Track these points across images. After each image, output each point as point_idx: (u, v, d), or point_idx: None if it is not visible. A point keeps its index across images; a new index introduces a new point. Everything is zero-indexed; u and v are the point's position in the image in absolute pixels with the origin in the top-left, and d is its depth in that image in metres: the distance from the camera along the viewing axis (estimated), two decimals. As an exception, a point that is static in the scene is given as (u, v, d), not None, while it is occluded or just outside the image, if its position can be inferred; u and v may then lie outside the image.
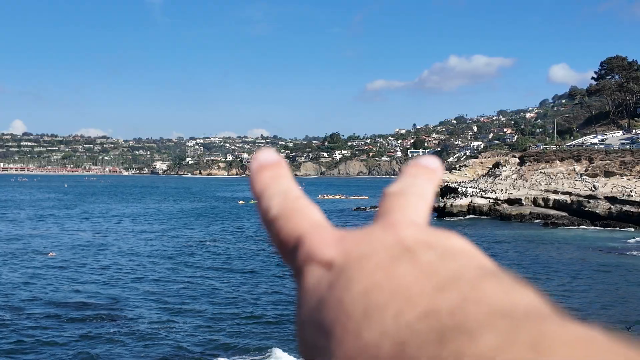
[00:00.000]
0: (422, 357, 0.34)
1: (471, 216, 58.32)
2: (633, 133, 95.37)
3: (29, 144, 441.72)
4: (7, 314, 20.35)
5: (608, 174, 60.24)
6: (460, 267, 0.39)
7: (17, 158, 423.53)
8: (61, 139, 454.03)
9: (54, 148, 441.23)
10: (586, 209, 54.22)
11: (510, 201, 58.22)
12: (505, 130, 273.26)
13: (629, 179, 58.17)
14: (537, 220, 53.13)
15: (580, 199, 55.54)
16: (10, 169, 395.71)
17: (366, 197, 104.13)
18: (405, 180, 0.50)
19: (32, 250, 35.38)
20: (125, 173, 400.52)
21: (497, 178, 69.37)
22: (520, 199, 58.06)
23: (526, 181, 64.46)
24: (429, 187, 0.50)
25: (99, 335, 18.14)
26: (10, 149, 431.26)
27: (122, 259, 32.86)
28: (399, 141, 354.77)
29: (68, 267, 29.75)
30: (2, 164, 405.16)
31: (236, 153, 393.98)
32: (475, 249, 0.43)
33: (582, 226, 51.94)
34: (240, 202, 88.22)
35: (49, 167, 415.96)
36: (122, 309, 21.35)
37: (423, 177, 0.51)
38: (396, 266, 0.40)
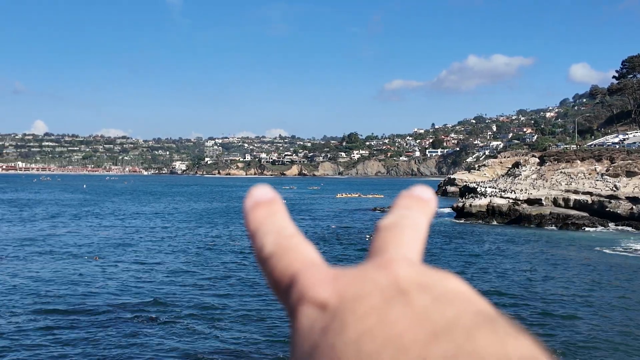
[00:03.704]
0: None
1: (480, 222, 57.96)
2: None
3: (50, 144, 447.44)
4: (46, 315, 20.70)
5: (630, 174, 59.51)
6: (456, 313, 0.38)
7: (38, 158, 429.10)
8: (82, 139, 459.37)
9: (75, 148, 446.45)
10: (607, 209, 53.65)
11: (530, 201, 57.75)
12: (525, 129, 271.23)
13: (651, 179, 57.46)
14: (552, 227, 52.56)
15: (602, 199, 54.95)
16: (32, 168, 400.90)
17: (382, 196, 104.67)
18: (398, 213, 0.49)
19: (74, 251, 35.78)
20: (145, 173, 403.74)
21: (517, 178, 68.84)
22: (540, 199, 57.56)
23: (546, 181, 63.90)
24: (422, 220, 0.49)
25: (140, 331, 18.40)
26: (32, 149, 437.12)
27: (157, 258, 33.22)
28: (417, 141, 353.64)
29: (109, 267, 30.14)
30: (24, 163, 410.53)
31: (254, 153, 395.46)
32: (472, 291, 0.41)
33: (601, 227, 51.41)
34: None
35: (70, 167, 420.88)
36: (161, 306, 21.61)
37: (416, 208, 0.50)
38: (389, 310, 0.39)
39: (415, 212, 0.49)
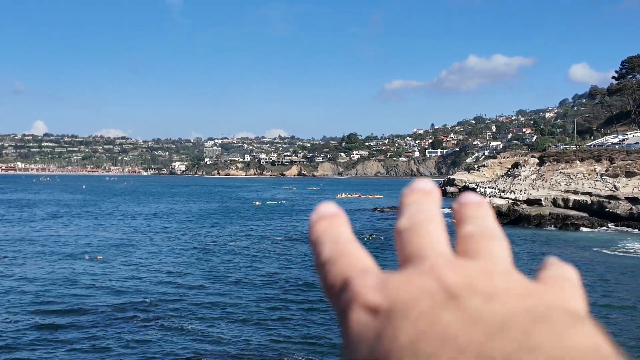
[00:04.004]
0: None
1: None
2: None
3: (50, 144, 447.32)
4: (48, 316, 20.74)
5: (629, 174, 59.56)
6: (509, 312, 0.38)
7: (38, 158, 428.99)
8: (81, 139, 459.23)
9: (74, 149, 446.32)
10: (607, 209, 53.70)
11: (530, 202, 57.80)
12: (524, 130, 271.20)
13: (650, 180, 57.52)
14: (551, 227, 52.59)
15: (601, 199, 55.01)
16: (32, 169, 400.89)
17: (381, 196, 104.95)
18: (409, 210, 0.50)
19: (75, 252, 35.75)
20: (144, 173, 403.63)
21: (516, 178, 68.93)
22: (540, 200, 57.62)
23: (546, 181, 63.96)
24: (435, 209, 0.51)
25: (140, 332, 18.43)
26: (32, 150, 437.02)
27: (157, 258, 33.25)
28: (417, 141, 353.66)
29: (110, 268, 30.16)
30: (23, 164, 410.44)
31: (254, 153, 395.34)
32: (520, 285, 0.42)
33: (600, 228, 51.46)
34: (257, 202, 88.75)
35: (69, 167, 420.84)
36: (162, 306, 21.64)
37: (424, 200, 0.51)
38: (441, 314, 0.40)
39: (425, 204, 0.50)
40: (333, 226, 0.51)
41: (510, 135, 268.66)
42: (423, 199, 0.51)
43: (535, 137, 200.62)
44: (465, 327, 0.38)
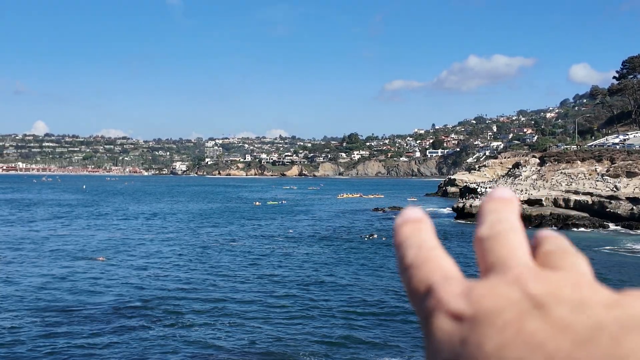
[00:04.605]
0: None
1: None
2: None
3: (51, 144, 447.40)
4: (52, 316, 20.79)
5: (630, 175, 59.56)
6: (597, 321, 0.38)
7: (39, 159, 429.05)
8: (82, 139, 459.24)
9: (75, 149, 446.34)
10: (608, 209, 53.70)
11: (531, 202, 57.80)
12: (525, 130, 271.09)
13: (651, 180, 57.52)
14: (552, 228, 52.61)
15: (602, 199, 55.00)
16: (32, 169, 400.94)
17: (382, 196, 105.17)
18: (490, 219, 0.50)
19: (80, 253, 35.75)
20: (145, 173, 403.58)
21: (517, 178, 68.93)
22: (541, 200, 57.63)
23: (546, 182, 63.97)
24: (515, 218, 0.51)
25: (143, 332, 18.48)
26: (32, 150, 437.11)
27: (158, 259, 33.31)
28: (417, 141, 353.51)
29: (112, 268, 30.23)
30: (24, 164, 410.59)
31: (255, 153, 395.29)
32: (609, 296, 0.42)
33: (601, 228, 51.47)
34: (257, 203, 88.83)
35: (70, 167, 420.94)
36: (164, 306, 21.69)
37: (504, 209, 0.51)
38: (528, 323, 0.40)
39: (505, 213, 0.51)
40: (417, 231, 0.52)
41: (511, 136, 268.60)
42: (503, 207, 0.51)
43: (536, 137, 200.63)
44: (553, 336, 0.38)
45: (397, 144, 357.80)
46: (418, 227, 0.52)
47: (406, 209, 0.55)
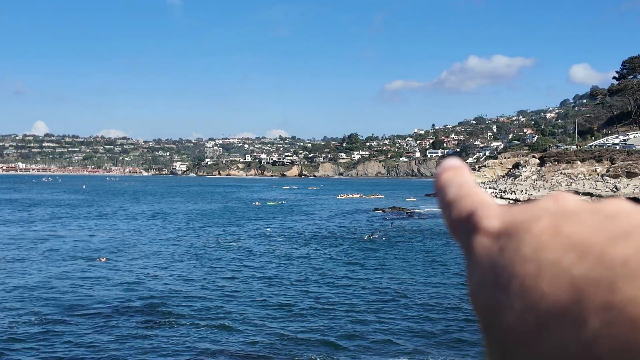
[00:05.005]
0: (596, 302, 0.38)
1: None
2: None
3: (51, 144, 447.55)
4: (53, 316, 20.82)
5: (630, 175, 59.65)
6: (630, 225, 0.41)
7: (39, 159, 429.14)
8: (82, 140, 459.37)
9: (75, 149, 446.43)
10: (608, 210, 53.66)
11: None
12: (525, 130, 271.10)
13: (651, 180, 57.54)
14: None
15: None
16: (32, 169, 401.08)
17: (382, 196, 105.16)
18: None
19: (81, 253, 35.75)
20: (145, 174, 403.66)
21: (517, 179, 69.01)
22: (541, 200, 57.55)
23: (546, 182, 64.03)
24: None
25: (143, 333, 18.51)
26: (32, 150, 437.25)
27: (159, 259, 33.34)
28: (417, 142, 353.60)
29: (113, 269, 30.26)
30: (24, 164, 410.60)
31: (255, 154, 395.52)
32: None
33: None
34: (257, 203, 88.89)
35: (70, 167, 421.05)
36: (165, 307, 21.72)
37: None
38: (564, 226, 0.44)
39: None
40: (458, 175, 0.56)
41: (511, 136, 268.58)
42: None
43: (536, 138, 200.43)
44: (588, 235, 0.42)
45: (397, 144, 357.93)
46: (458, 172, 0.57)
47: (445, 159, 0.59)
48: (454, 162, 0.59)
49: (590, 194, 56.16)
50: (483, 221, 0.49)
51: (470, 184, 0.55)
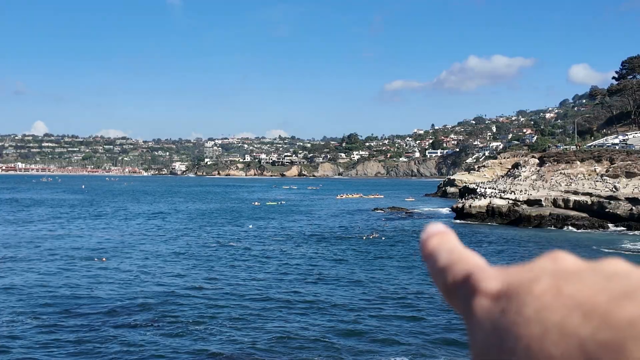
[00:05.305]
0: None
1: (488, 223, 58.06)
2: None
3: (50, 144, 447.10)
4: (52, 316, 20.83)
5: (629, 175, 59.66)
6: (631, 285, 0.42)
7: (38, 159, 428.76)
8: (81, 140, 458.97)
9: (75, 149, 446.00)
10: (607, 210, 53.72)
11: (530, 202, 57.83)
12: (524, 130, 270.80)
13: (650, 180, 57.57)
14: (552, 228, 52.67)
15: (601, 200, 55.02)
16: (32, 169, 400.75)
17: (382, 196, 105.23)
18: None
19: (82, 254, 35.68)
20: (145, 174, 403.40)
21: (517, 179, 69.01)
22: (540, 200, 57.64)
23: (546, 182, 64.05)
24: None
25: (143, 333, 18.52)
26: (32, 150, 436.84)
27: (159, 259, 33.36)
28: (417, 142, 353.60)
29: (113, 269, 30.27)
30: (23, 164, 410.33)
31: (254, 154, 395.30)
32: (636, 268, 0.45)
33: (600, 228, 51.52)
34: (256, 203, 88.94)
35: (70, 167, 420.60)
36: (164, 307, 21.73)
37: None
38: (564, 287, 0.44)
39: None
40: (445, 240, 0.57)
41: (510, 136, 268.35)
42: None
43: (535, 138, 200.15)
44: (591, 296, 0.42)
45: (396, 144, 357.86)
46: (445, 238, 0.57)
47: (429, 225, 0.60)
48: (438, 227, 0.59)
49: (590, 194, 56.17)
50: (481, 283, 0.49)
51: (460, 248, 0.56)
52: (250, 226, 52.73)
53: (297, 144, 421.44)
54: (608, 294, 0.41)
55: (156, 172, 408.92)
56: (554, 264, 0.48)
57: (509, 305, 0.45)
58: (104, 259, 32.66)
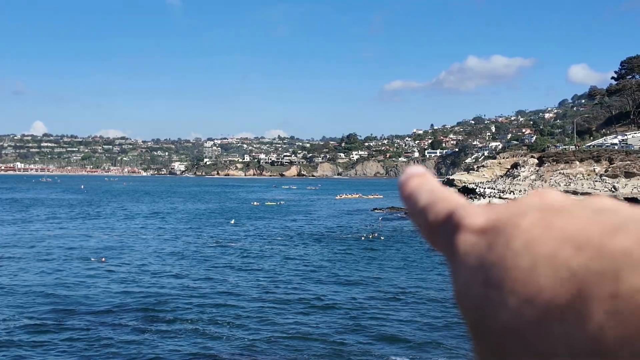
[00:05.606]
0: (600, 293, 0.37)
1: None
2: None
3: (49, 144, 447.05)
4: (51, 316, 20.80)
5: (628, 175, 59.70)
6: (621, 218, 0.41)
7: (37, 159, 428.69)
8: (81, 140, 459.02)
9: (74, 149, 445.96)
10: (606, 210, 53.67)
11: (529, 202, 57.73)
12: (523, 130, 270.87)
13: (649, 180, 57.57)
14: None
15: (600, 200, 54.99)
16: (31, 169, 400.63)
17: (381, 196, 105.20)
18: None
19: (81, 254, 35.63)
20: (144, 173, 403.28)
21: (516, 179, 69.05)
22: (539, 200, 57.54)
23: (545, 182, 64.07)
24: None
25: (142, 333, 18.49)
26: (31, 150, 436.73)
27: (159, 259, 33.33)
28: (416, 142, 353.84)
29: (112, 269, 30.23)
30: (22, 164, 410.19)
31: (253, 154, 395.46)
32: (630, 206, 0.44)
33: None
34: (255, 203, 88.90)
35: (69, 167, 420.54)
36: (164, 307, 21.71)
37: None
38: (554, 221, 0.42)
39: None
40: (425, 181, 0.55)
41: (509, 136, 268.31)
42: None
43: (534, 138, 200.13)
44: (581, 228, 0.40)
45: (395, 144, 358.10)
46: (425, 179, 0.56)
47: (409, 167, 0.59)
48: (418, 169, 0.58)
49: (589, 194, 56.14)
50: (465, 219, 0.47)
51: (441, 188, 0.54)
52: (232, 221, 53.38)
53: (297, 144, 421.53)
54: (600, 227, 0.40)
55: (155, 172, 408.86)
56: (541, 200, 0.45)
57: (495, 240, 0.44)
58: (102, 259, 32.59)
